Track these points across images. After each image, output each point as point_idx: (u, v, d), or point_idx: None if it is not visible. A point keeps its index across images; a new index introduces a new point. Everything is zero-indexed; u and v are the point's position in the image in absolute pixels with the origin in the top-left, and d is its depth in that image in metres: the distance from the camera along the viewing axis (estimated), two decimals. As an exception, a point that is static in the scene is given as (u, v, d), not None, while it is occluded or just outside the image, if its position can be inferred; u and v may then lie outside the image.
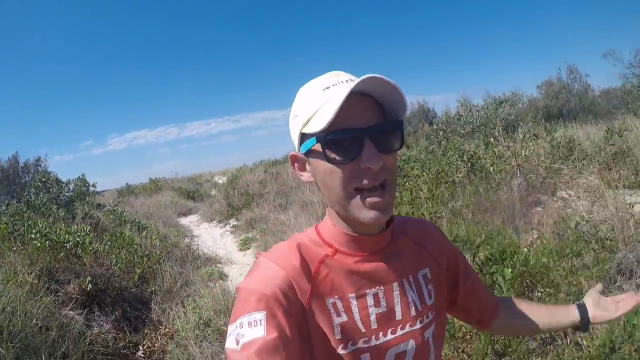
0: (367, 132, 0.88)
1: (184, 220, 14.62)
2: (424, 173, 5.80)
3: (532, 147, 6.60)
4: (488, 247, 3.40)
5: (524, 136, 6.64)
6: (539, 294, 3.37)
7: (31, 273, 4.89)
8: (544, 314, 1.28)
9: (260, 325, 0.82)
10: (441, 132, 7.94)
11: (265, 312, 0.84)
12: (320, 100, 0.92)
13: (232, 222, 12.48)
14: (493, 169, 5.87)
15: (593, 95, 17.07)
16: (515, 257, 3.33)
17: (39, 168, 14.20)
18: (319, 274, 0.95)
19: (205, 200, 17.26)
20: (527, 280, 3.41)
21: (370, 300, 0.97)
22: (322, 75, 0.98)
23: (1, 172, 13.80)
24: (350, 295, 0.96)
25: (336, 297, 0.95)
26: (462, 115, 9.18)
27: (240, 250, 9.68)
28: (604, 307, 1.22)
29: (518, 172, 5.91)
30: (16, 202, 9.35)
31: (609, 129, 6.88)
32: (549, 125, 7.65)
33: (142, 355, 4.98)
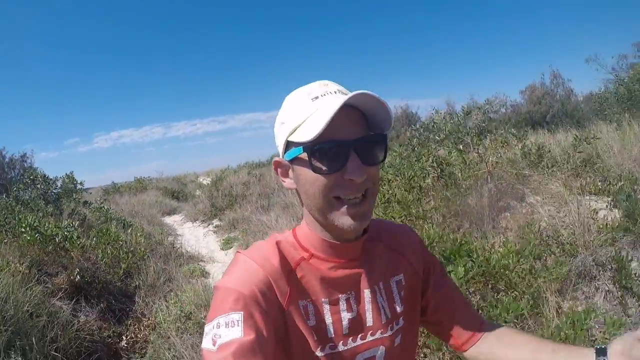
0: (353, 144, 0.89)
1: (168, 220, 14.68)
2: (397, 178, 5.95)
3: (501, 154, 6.70)
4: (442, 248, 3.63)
5: (491, 143, 6.80)
6: (500, 294, 3.55)
7: (22, 264, 5.03)
8: (547, 354, 1.01)
9: (238, 326, 0.81)
10: (415, 140, 8.15)
11: (242, 312, 0.83)
12: (308, 109, 0.92)
13: (215, 222, 12.59)
14: (462, 175, 6.06)
15: (576, 100, 16.67)
16: (476, 257, 3.57)
17: (25, 164, 14.12)
18: (296, 276, 0.96)
19: (190, 201, 17.24)
20: (491, 282, 3.60)
21: (342, 305, 0.99)
22: (310, 84, 0.98)
23: (-13, 167, 13.75)
24: (323, 299, 0.97)
25: (308, 300, 0.96)
26: (436, 123, 9.35)
27: (222, 249, 9.84)
28: (637, 356, 0.83)
29: (489, 178, 6.02)
30: (5, 197, 9.46)
31: (577, 136, 6.97)
32: (518, 133, 7.78)
33: (125, 345, 5.15)
